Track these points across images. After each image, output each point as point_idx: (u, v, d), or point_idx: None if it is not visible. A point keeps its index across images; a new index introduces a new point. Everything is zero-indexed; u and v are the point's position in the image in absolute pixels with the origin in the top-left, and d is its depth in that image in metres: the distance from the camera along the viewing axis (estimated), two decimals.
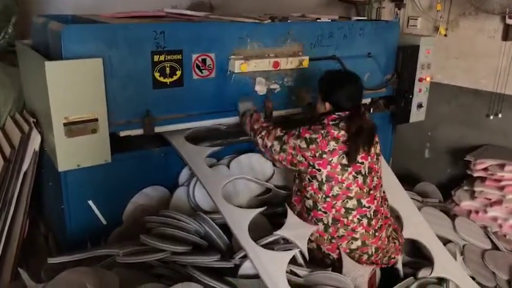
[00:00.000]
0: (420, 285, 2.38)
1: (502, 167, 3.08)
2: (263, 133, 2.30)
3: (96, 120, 2.15)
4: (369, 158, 2.17)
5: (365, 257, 2.20)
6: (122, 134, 2.32)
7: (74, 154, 2.15)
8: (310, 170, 2.15)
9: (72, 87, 2.06)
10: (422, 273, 2.42)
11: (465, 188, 3.26)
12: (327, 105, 2.22)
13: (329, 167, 2.11)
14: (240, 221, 2.15)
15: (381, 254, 2.25)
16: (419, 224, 2.59)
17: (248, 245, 2.05)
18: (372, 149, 2.18)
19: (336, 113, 2.17)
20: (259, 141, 2.32)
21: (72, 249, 2.17)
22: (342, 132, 2.11)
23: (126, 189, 2.43)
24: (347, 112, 2.18)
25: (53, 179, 2.40)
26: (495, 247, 2.83)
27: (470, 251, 2.71)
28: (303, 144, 2.13)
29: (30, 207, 2.53)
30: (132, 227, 2.37)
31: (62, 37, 2.06)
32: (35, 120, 2.51)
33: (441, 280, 2.41)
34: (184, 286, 1.92)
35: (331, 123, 2.15)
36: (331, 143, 2.10)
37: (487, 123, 3.47)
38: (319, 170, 2.12)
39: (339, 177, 2.11)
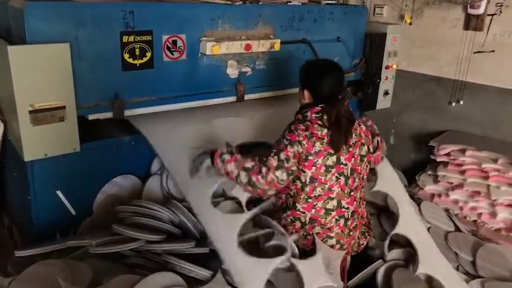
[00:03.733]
0: (388, 268, 2.46)
1: (463, 152, 3.21)
2: (263, 171, 2.03)
3: (63, 107, 2.07)
4: (353, 159, 2.13)
5: (338, 246, 2.23)
6: (91, 117, 2.24)
7: (40, 143, 2.07)
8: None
9: (38, 73, 1.97)
10: (391, 255, 2.51)
11: (429, 172, 3.39)
12: (306, 93, 2.16)
13: (314, 168, 2.06)
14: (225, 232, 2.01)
15: (352, 243, 2.29)
16: (390, 178, 2.67)
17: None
18: (357, 150, 2.14)
19: (319, 105, 2.10)
20: (261, 180, 2.02)
21: (40, 241, 2.11)
22: (325, 130, 2.06)
23: (95, 178, 2.38)
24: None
25: (18, 169, 2.31)
26: (457, 229, 2.96)
27: (435, 233, 2.81)
28: (300, 148, 2.04)
29: None
30: (102, 217, 2.33)
31: (25, 15, 1.94)
32: None
33: (408, 262, 2.50)
34: (160, 276, 1.90)
35: (313, 116, 2.08)
36: (316, 143, 2.04)
37: (450, 110, 3.60)
38: (304, 172, 2.08)
39: (322, 178, 2.08)
